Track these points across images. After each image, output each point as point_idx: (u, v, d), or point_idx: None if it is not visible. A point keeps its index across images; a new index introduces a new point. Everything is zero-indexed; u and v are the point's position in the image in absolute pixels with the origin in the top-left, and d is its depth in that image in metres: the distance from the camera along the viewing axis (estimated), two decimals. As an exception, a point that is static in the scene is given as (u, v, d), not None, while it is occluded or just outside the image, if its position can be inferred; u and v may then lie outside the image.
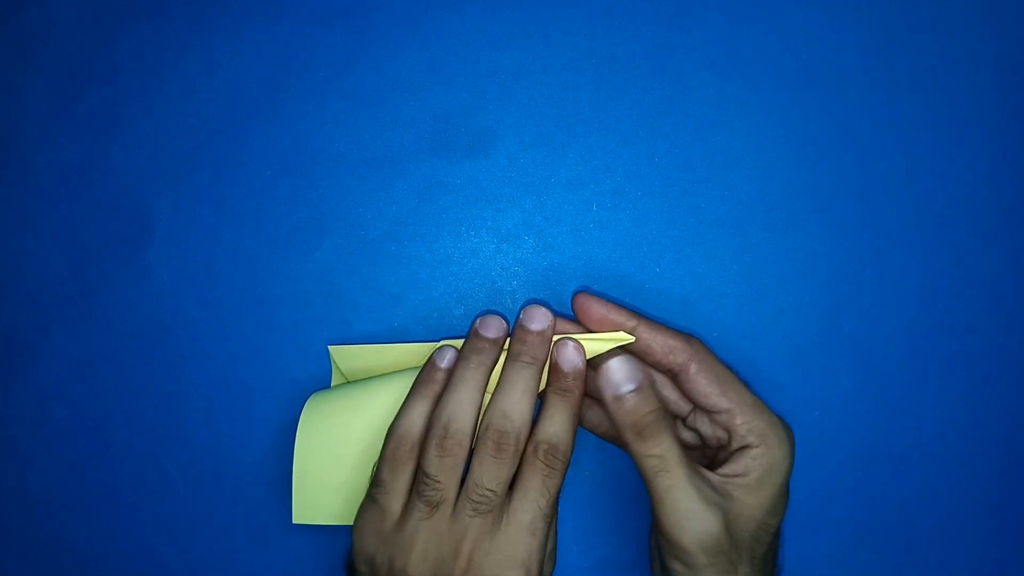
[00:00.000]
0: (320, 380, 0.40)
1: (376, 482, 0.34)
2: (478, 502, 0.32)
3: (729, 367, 0.34)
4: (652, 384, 0.34)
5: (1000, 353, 0.40)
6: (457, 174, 0.41)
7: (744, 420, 0.33)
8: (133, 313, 0.40)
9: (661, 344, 0.34)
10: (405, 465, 0.33)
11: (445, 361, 0.35)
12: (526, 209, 0.40)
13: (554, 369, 0.34)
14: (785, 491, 0.34)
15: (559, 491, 0.33)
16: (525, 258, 0.40)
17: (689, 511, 0.32)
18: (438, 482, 0.32)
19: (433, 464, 0.32)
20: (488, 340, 0.35)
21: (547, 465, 0.32)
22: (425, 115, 0.41)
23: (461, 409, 0.33)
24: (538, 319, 0.34)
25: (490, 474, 0.32)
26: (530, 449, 0.33)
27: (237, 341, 0.40)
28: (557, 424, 0.33)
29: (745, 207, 0.40)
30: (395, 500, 0.33)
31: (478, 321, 0.35)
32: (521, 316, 0.35)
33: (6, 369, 0.40)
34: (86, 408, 0.40)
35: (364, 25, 0.41)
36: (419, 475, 0.33)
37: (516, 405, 0.33)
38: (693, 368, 0.34)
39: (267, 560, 0.39)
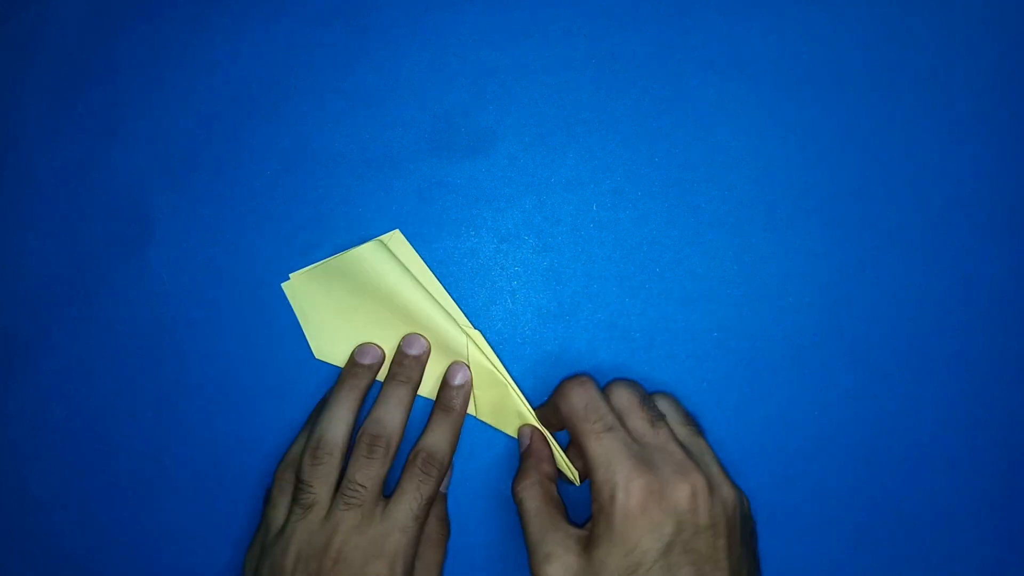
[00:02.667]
0: (321, 380, 0.40)
1: (266, 501, 0.37)
2: (350, 497, 0.34)
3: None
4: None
5: (1000, 353, 0.40)
6: (457, 174, 0.40)
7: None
8: (133, 313, 0.40)
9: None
10: (290, 482, 0.36)
11: (367, 357, 0.39)
12: (526, 209, 0.40)
13: (442, 386, 0.39)
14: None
15: (432, 497, 0.36)
16: (525, 258, 0.40)
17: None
18: (311, 487, 0.35)
19: (307, 471, 0.35)
20: (363, 366, 0.38)
21: (423, 471, 0.36)
22: (425, 115, 0.41)
23: (332, 424, 0.36)
24: (415, 346, 0.39)
25: (362, 472, 0.35)
26: (410, 457, 0.36)
27: (237, 341, 0.40)
28: (437, 435, 0.37)
29: (745, 207, 0.40)
30: (279, 514, 0.36)
31: (355, 351, 0.39)
32: (401, 343, 0.39)
33: (6, 369, 0.40)
34: (86, 408, 0.40)
35: (364, 25, 0.41)
36: (296, 486, 0.35)
37: (389, 414, 0.37)
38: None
39: (267, 560, 0.39)
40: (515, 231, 0.40)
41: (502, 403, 0.38)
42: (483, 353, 0.38)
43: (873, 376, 0.39)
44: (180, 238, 0.40)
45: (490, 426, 0.39)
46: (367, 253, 0.39)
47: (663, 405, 0.36)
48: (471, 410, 0.39)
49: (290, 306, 0.40)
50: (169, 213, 0.40)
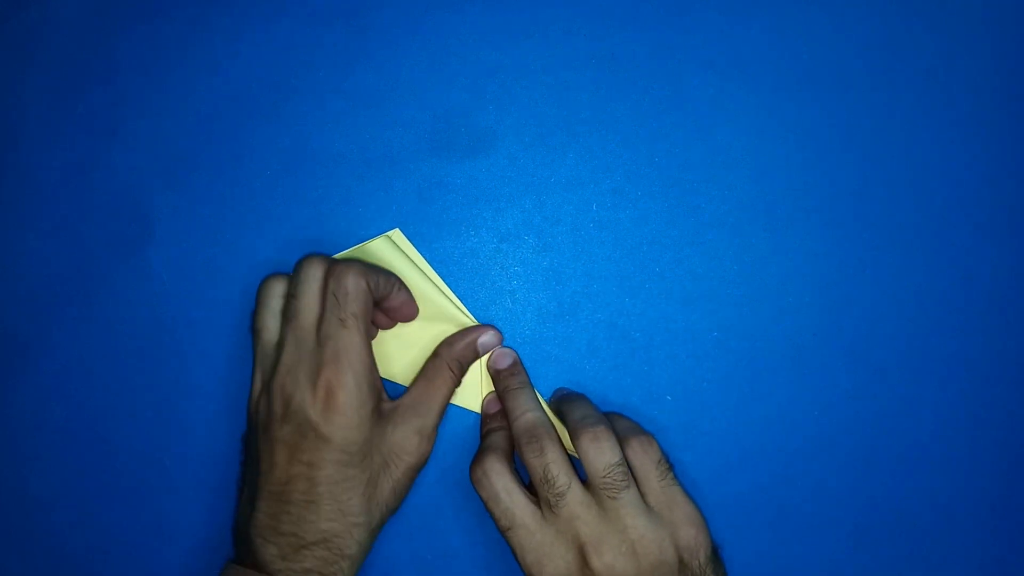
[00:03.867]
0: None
1: (252, 318, 0.36)
2: (340, 312, 0.34)
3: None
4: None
5: (1000, 353, 0.40)
6: (457, 174, 0.40)
7: None
8: (133, 313, 0.40)
9: None
10: (275, 296, 0.36)
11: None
12: (526, 209, 0.40)
13: (493, 376, 0.39)
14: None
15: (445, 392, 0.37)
16: (525, 258, 0.40)
17: None
18: (293, 297, 0.35)
19: (293, 284, 0.35)
20: None
21: (456, 374, 0.37)
22: (425, 115, 0.41)
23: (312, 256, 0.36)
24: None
25: (353, 279, 0.34)
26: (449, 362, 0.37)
27: (237, 341, 0.40)
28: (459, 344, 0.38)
29: (745, 207, 0.40)
30: (271, 329, 0.36)
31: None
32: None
33: (6, 369, 0.40)
34: (86, 408, 0.40)
35: (364, 25, 0.41)
36: (286, 300, 0.35)
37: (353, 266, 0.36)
38: None
39: (267, 560, 0.39)
40: (515, 231, 0.40)
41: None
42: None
43: (873, 376, 0.39)
44: (180, 238, 0.40)
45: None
46: (372, 249, 0.39)
47: (635, 451, 0.35)
48: (477, 407, 0.39)
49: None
50: (169, 213, 0.40)
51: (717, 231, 0.40)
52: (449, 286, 0.40)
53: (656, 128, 0.40)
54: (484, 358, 0.39)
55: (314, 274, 0.35)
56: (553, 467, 0.34)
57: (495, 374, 0.39)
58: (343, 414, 0.33)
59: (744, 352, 0.39)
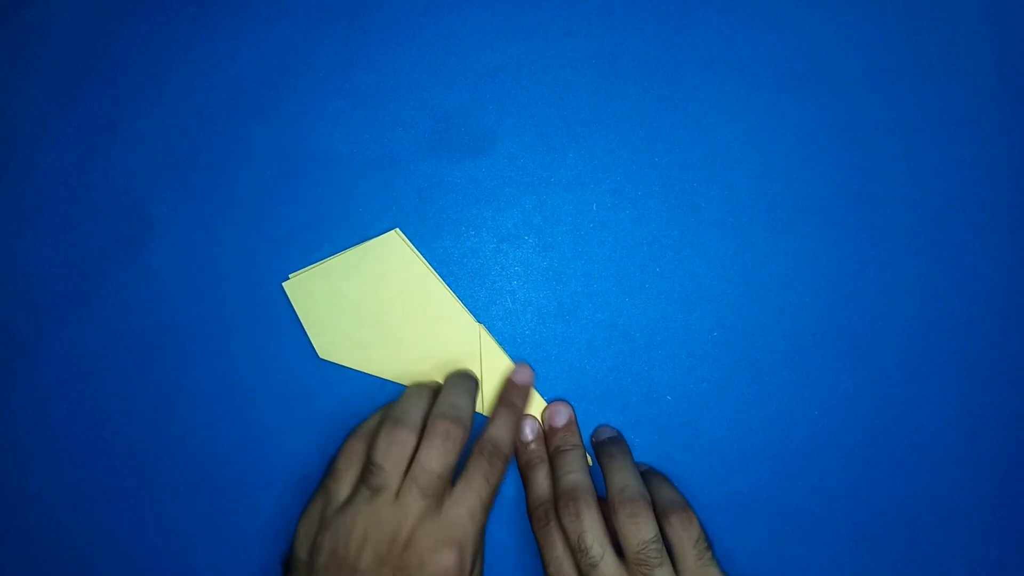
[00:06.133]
0: (322, 380, 0.40)
1: (329, 472, 0.36)
2: (423, 485, 0.34)
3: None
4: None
5: (1000, 353, 0.40)
6: (457, 174, 0.40)
7: None
8: (133, 313, 0.40)
9: None
10: (358, 456, 0.35)
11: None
12: (526, 209, 0.40)
13: (507, 383, 0.39)
14: None
15: (498, 486, 0.36)
16: (525, 258, 0.40)
17: None
18: (383, 468, 0.34)
19: (380, 453, 0.34)
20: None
21: (490, 462, 0.35)
22: (425, 115, 0.41)
23: (411, 406, 0.36)
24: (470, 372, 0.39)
25: (437, 459, 0.34)
26: (476, 447, 0.36)
27: (238, 341, 0.40)
28: (501, 429, 0.37)
29: (745, 207, 0.40)
30: (344, 488, 0.35)
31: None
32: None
33: (6, 369, 0.40)
34: (86, 408, 0.40)
35: (364, 25, 0.41)
36: (366, 464, 0.35)
37: (462, 400, 0.36)
38: None
39: (267, 560, 0.39)
40: (515, 231, 0.40)
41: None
42: (494, 343, 0.39)
43: (873, 376, 0.39)
44: (180, 238, 0.40)
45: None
46: (372, 249, 0.39)
47: (674, 528, 0.35)
48: (478, 407, 0.39)
49: (291, 305, 0.40)
50: (169, 213, 0.40)
51: (717, 231, 0.40)
52: (449, 286, 0.40)
53: (656, 128, 0.40)
54: (481, 356, 0.39)
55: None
56: (588, 535, 0.34)
57: (549, 430, 0.39)
58: None
59: (744, 352, 0.39)
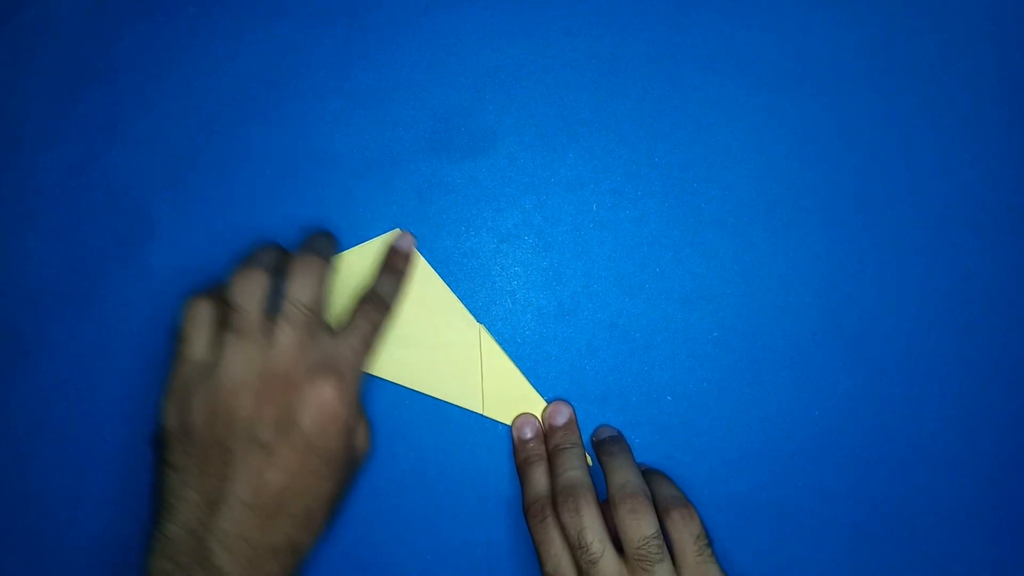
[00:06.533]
0: (320, 380, 0.40)
1: (179, 338, 0.35)
2: (292, 317, 0.33)
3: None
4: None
5: (1000, 353, 0.40)
6: (457, 174, 0.40)
7: None
8: (133, 313, 0.40)
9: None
10: (205, 315, 0.34)
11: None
12: (526, 209, 0.40)
13: (388, 252, 0.39)
14: None
15: (380, 332, 0.37)
16: (525, 258, 0.40)
17: None
18: (245, 309, 0.33)
19: (236, 292, 0.34)
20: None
21: (372, 307, 0.36)
22: (425, 115, 0.41)
23: (264, 252, 0.36)
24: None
25: (304, 289, 0.34)
26: (359, 298, 0.37)
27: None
28: (384, 284, 0.38)
29: (745, 207, 0.40)
30: (199, 348, 0.34)
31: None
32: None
33: (6, 369, 0.40)
34: (86, 408, 0.40)
35: (364, 25, 0.41)
36: (224, 312, 0.34)
37: (321, 242, 0.37)
38: None
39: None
40: (515, 231, 0.40)
41: (512, 392, 0.39)
42: (494, 343, 0.39)
43: (873, 376, 0.39)
44: (180, 238, 0.40)
45: (494, 426, 0.39)
46: (372, 249, 0.39)
47: (675, 524, 0.34)
48: (478, 407, 0.39)
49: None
50: (169, 213, 0.40)
51: (717, 231, 0.40)
52: (449, 286, 0.40)
53: (656, 128, 0.40)
54: (482, 356, 0.39)
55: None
56: (588, 532, 0.34)
57: (549, 429, 0.39)
58: (338, 422, 0.33)
59: (744, 352, 0.39)
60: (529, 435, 0.38)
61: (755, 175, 0.40)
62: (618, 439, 0.39)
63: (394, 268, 0.39)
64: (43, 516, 0.40)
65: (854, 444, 0.39)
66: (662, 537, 0.34)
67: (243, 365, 0.33)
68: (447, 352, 0.39)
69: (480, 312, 0.40)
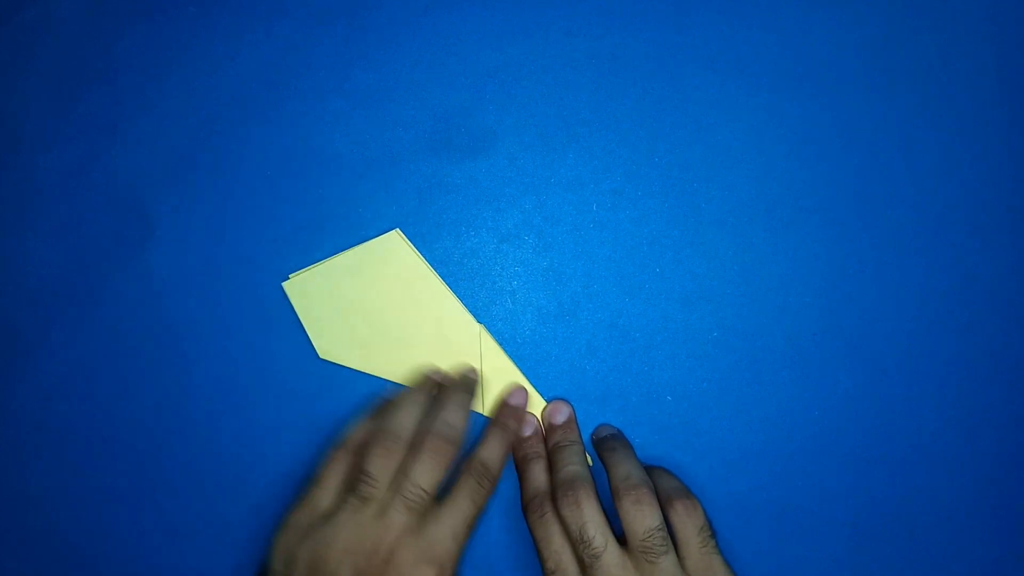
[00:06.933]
0: (321, 379, 0.40)
1: (313, 480, 0.35)
2: (410, 499, 0.33)
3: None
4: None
5: (1000, 353, 0.40)
6: (457, 174, 0.40)
7: None
8: (133, 313, 0.40)
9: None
10: (343, 465, 0.35)
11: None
12: (526, 209, 0.40)
13: (502, 404, 0.39)
14: None
15: (483, 508, 0.35)
16: (525, 258, 0.40)
17: None
18: (374, 479, 0.34)
19: (373, 462, 0.34)
20: (431, 379, 0.39)
21: (478, 482, 0.35)
22: (425, 115, 0.41)
23: (404, 418, 0.36)
24: (473, 372, 0.39)
25: (426, 474, 0.34)
26: (465, 466, 0.36)
27: (238, 341, 0.40)
28: (492, 450, 0.37)
29: (745, 207, 0.40)
30: (327, 497, 0.35)
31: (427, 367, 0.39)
32: (462, 368, 0.39)
33: (6, 369, 0.40)
34: (86, 408, 0.40)
35: (364, 25, 0.41)
36: (356, 475, 0.34)
37: (455, 416, 0.36)
38: None
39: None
40: (515, 231, 0.40)
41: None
42: (494, 343, 0.39)
43: (873, 376, 0.39)
44: (180, 238, 0.40)
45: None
46: (372, 249, 0.39)
47: (678, 515, 0.34)
48: (478, 407, 0.39)
49: (291, 305, 0.40)
50: (169, 213, 0.40)
51: (717, 231, 0.40)
52: (449, 286, 0.40)
53: (656, 128, 0.40)
54: (482, 356, 0.39)
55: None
56: (589, 526, 0.33)
57: (548, 427, 0.39)
58: None
59: (744, 352, 0.39)
60: (528, 432, 0.38)
61: (755, 175, 0.40)
62: (619, 436, 0.39)
63: (504, 426, 0.38)
64: (43, 516, 0.40)
65: (854, 444, 0.39)
66: (666, 529, 0.33)
67: (354, 531, 0.33)
68: (447, 352, 0.39)
69: (480, 312, 0.40)
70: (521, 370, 0.39)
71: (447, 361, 0.39)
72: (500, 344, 0.40)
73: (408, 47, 0.41)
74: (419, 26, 0.41)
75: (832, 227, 0.40)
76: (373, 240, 0.40)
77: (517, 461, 0.38)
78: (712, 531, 0.34)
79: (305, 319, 0.40)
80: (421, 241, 0.40)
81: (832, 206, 0.40)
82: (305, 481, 0.36)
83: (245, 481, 0.40)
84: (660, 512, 0.34)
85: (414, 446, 0.35)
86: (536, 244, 0.40)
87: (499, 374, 0.39)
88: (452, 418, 0.36)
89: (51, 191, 0.41)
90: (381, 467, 0.34)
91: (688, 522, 0.34)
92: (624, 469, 0.35)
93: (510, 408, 0.39)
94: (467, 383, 0.38)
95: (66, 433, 0.40)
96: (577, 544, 0.33)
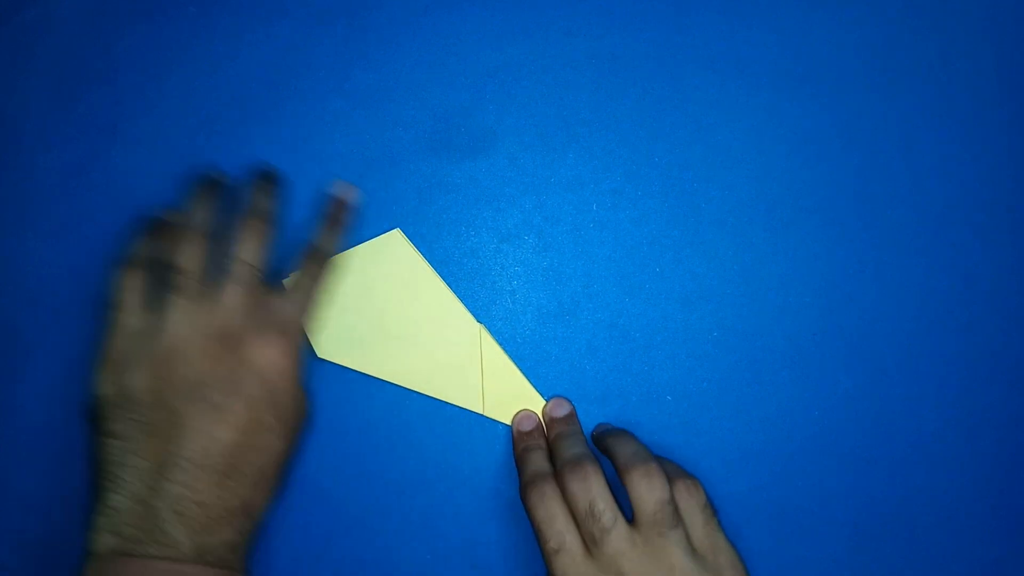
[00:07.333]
0: (321, 380, 0.40)
1: (113, 306, 0.35)
2: (240, 275, 0.35)
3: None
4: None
5: (1000, 353, 0.40)
6: (457, 174, 0.40)
7: None
8: (133, 313, 0.40)
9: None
10: (137, 282, 0.35)
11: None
12: (526, 209, 0.40)
13: (329, 203, 0.39)
14: None
15: (321, 288, 0.37)
16: (525, 258, 0.40)
17: None
18: (189, 271, 0.34)
19: (184, 255, 0.34)
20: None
21: (315, 263, 0.37)
22: (425, 115, 0.41)
23: (198, 213, 0.37)
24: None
25: (251, 251, 0.35)
26: (301, 255, 0.38)
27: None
28: (326, 238, 0.38)
29: (745, 207, 0.40)
30: (135, 315, 0.34)
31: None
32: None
33: (6, 369, 0.40)
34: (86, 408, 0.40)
35: (364, 25, 0.41)
36: (167, 274, 0.34)
37: (264, 201, 0.38)
38: None
39: (267, 560, 0.39)
40: (515, 231, 0.40)
41: (512, 392, 0.39)
42: (494, 343, 0.39)
43: (873, 376, 0.39)
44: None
45: (494, 426, 0.39)
46: (372, 249, 0.39)
47: (681, 494, 0.34)
48: (478, 407, 0.39)
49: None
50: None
51: (717, 231, 0.40)
52: (449, 286, 0.40)
53: (656, 128, 0.40)
54: (482, 356, 0.39)
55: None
56: (599, 501, 0.33)
57: (549, 421, 0.39)
58: (287, 379, 0.34)
59: (744, 352, 0.39)
60: (529, 428, 0.38)
61: (755, 175, 0.40)
62: (620, 429, 0.39)
63: (335, 219, 0.39)
64: (43, 516, 0.40)
65: (854, 444, 0.39)
66: (675, 505, 0.33)
67: (189, 326, 0.33)
68: (447, 352, 0.39)
69: (480, 312, 0.40)
70: (521, 370, 0.39)
71: (447, 361, 0.39)
72: (500, 344, 0.40)
73: (408, 47, 0.41)
74: (419, 26, 0.41)
75: (832, 227, 0.40)
76: (374, 240, 0.40)
77: (517, 455, 0.38)
78: (714, 509, 0.34)
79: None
80: (421, 241, 0.40)
81: (832, 206, 0.40)
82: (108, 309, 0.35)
83: (245, 481, 0.39)
84: (669, 487, 0.33)
85: (236, 233, 0.36)
86: (536, 244, 0.40)
87: (499, 374, 0.39)
88: (261, 202, 0.37)
89: (51, 191, 0.41)
90: (192, 256, 0.34)
91: (691, 500, 0.34)
92: (630, 448, 0.35)
93: (338, 202, 0.39)
94: (268, 178, 0.39)
95: (66, 433, 0.40)
96: (585, 520, 0.33)
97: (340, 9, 0.41)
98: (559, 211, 0.40)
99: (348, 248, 0.40)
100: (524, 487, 0.35)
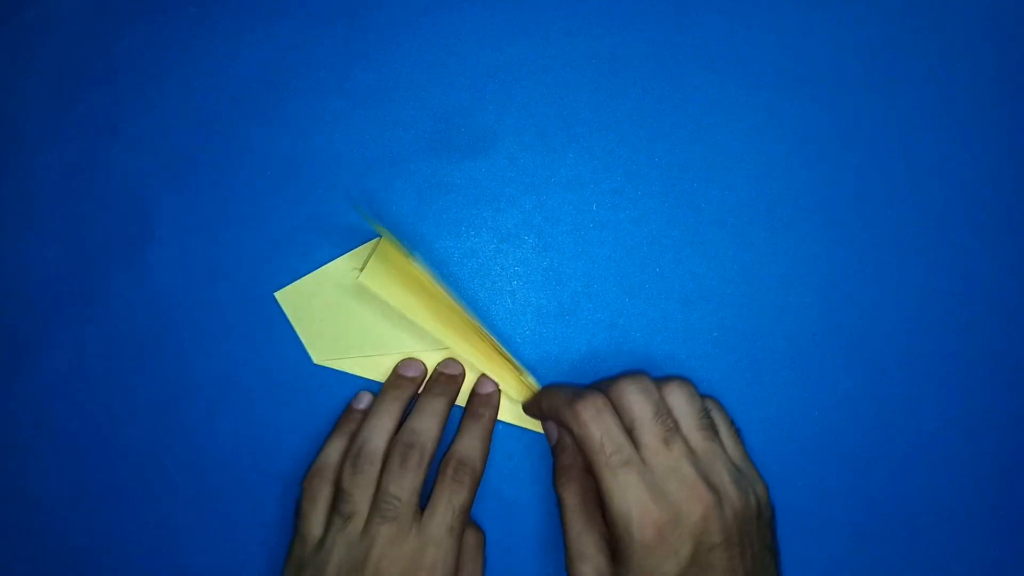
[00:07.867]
0: (321, 380, 0.40)
1: (296, 514, 0.36)
2: (385, 509, 0.34)
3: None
4: None
5: (1000, 353, 0.40)
6: (457, 174, 0.40)
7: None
8: (133, 313, 0.40)
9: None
10: (323, 492, 0.36)
11: (363, 404, 0.39)
12: (526, 209, 0.40)
13: (472, 395, 0.39)
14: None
15: (467, 506, 0.35)
16: (525, 258, 0.40)
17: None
18: (351, 496, 0.35)
19: (347, 480, 0.35)
20: (405, 378, 0.38)
21: (455, 480, 0.35)
22: (425, 115, 0.41)
23: (374, 433, 0.36)
24: (451, 366, 0.39)
25: (396, 482, 0.34)
26: (441, 466, 0.36)
27: (238, 341, 0.40)
28: (467, 442, 0.37)
29: (745, 207, 0.40)
30: (315, 526, 0.35)
31: (399, 364, 0.39)
32: (439, 365, 0.39)
33: (6, 369, 0.40)
34: (86, 408, 0.40)
35: (364, 25, 0.41)
36: (336, 495, 0.35)
37: (424, 424, 0.36)
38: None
39: (267, 560, 0.39)
40: (515, 231, 0.40)
41: (512, 390, 0.39)
42: (495, 343, 0.39)
43: (873, 376, 0.39)
44: (180, 238, 0.40)
45: (494, 427, 0.39)
46: (363, 255, 0.39)
47: (676, 403, 0.34)
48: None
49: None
50: (169, 213, 0.40)
51: (717, 231, 0.40)
52: (449, 286, 0.40)
53: (656, 128, 0.40)
54: (483, 357, 0.39)
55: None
56: (662, 404, 0.34)
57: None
58: None
59: (744, 352, 0.39)
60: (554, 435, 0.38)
61: (755, 175, 0.40)
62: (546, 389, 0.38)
63: (477, 416, 0.38)
64: (43, 516, 0.40)
65: (854, 444, 0.39)
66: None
67: (343, 551, 0.34)
68: (444, 353, 0.39)
69: (480, 312, 0.40)
70: (521, 370, 0.39)
71: (458, 357, 0.39)
72: (500, 344, 0.40)
73: (408, 47, 0.41)
74: (419, 26, 0.41)
75: (832, 227, 0.40)
76: (372, 241, 0.40)
77: (543, 390, 0.38)
78: (737, 428, 0.37)
79: (298, 327, 0.39)
80: (421, 241, 0.40)
81: (832, 206, 0.40)
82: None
83: (245, 482, 0.40)
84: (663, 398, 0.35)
85: (387, 456, 0.36)
86: (536, 244, 0.40)
87: (498, 373, 0.39)
88: (419, 424, 0.36)
89: (51, 191, 0.41)
90: (354, 482, 0.35)
91: (719, 415, 0.36)
92: (631, 377, 0.35)
93: (480, 396, 0.39)
94: (442, 386, 0.38)
95: (66, 433, 0.40)
96: (651, 423, 0.33)
97: (340, 9, 0.41)
98: (559, 211, 0.40)
99: (348, 250, 0.40)
100: (571, 403, 0.34)
